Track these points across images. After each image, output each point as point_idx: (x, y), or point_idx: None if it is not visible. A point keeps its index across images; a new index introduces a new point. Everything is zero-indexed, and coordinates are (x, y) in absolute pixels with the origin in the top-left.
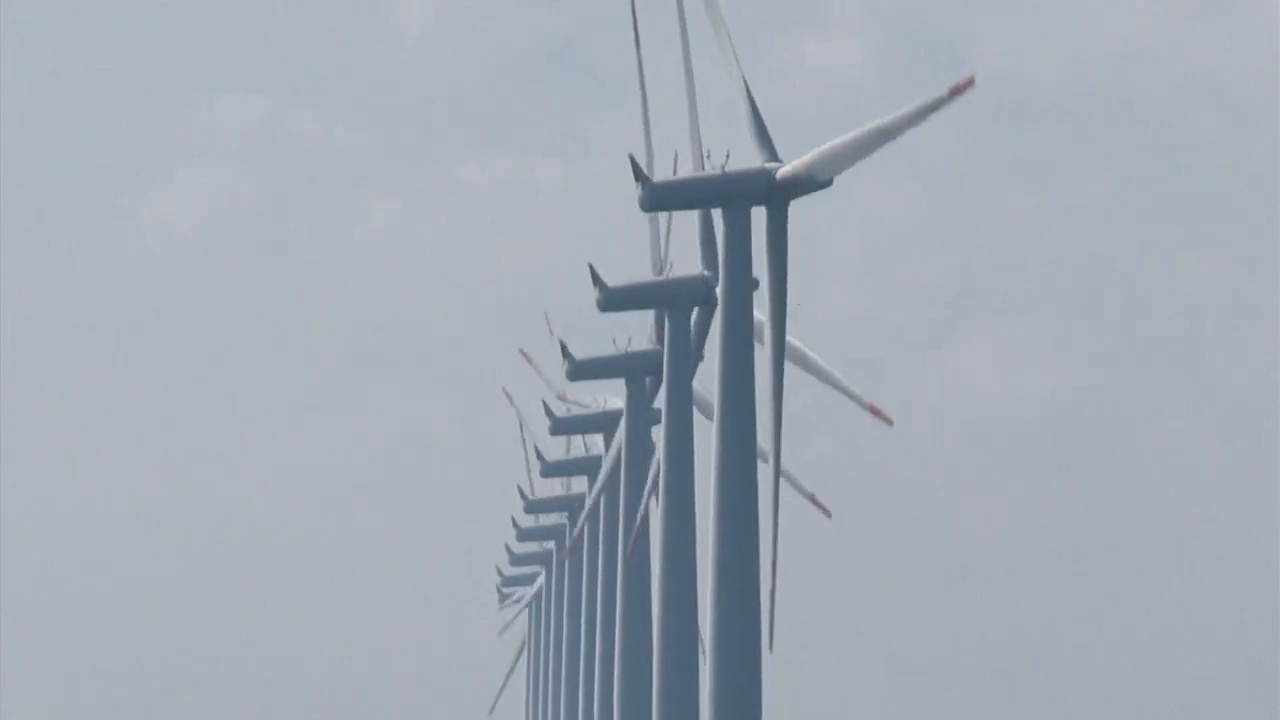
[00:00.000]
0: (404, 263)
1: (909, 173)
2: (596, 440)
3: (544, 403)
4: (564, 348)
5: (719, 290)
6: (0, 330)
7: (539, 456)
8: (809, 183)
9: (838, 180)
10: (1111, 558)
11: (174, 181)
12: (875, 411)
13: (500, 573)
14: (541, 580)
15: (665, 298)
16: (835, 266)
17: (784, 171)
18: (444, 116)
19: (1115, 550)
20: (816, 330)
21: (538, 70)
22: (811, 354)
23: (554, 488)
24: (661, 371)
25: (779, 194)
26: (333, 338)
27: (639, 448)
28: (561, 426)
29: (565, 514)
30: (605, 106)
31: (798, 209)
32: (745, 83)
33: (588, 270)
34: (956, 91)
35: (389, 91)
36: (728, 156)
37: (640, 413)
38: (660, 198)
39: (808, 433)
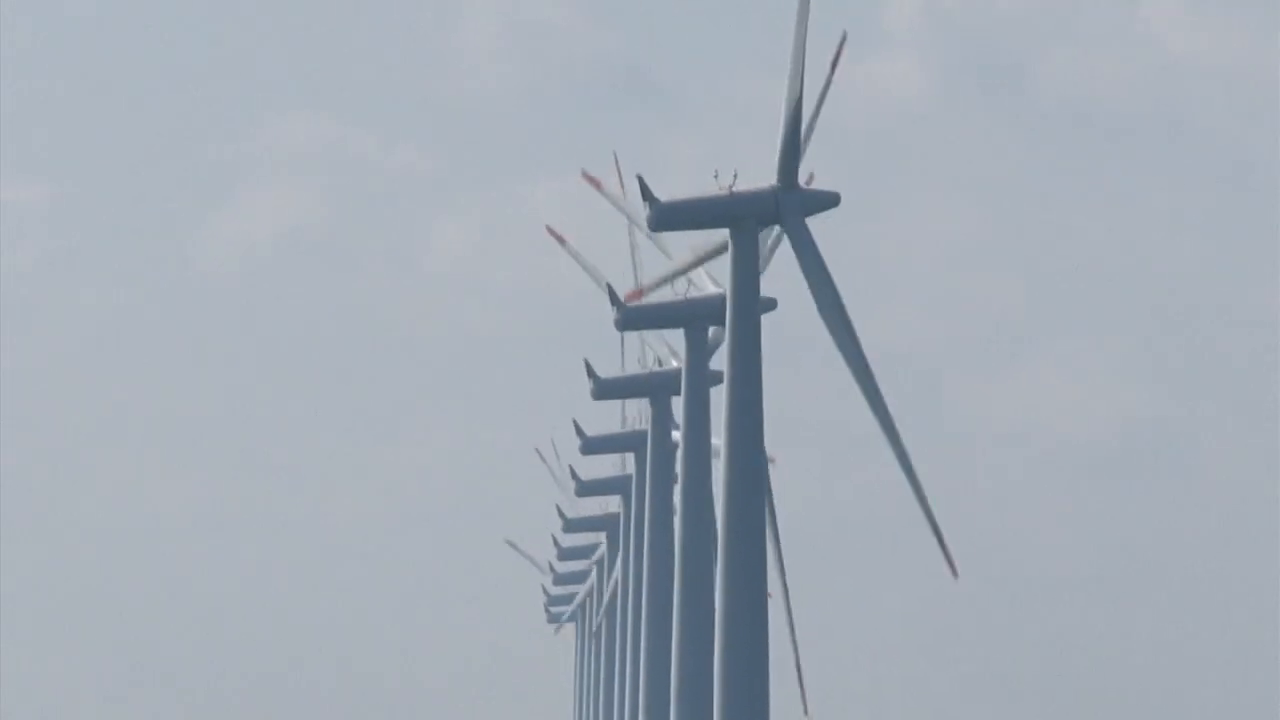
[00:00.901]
0: (467, 283)
1: (971, 193)
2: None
3: (574, 422)
4: (588, 366)
5: (727, 310)
6: (70, 350)
7: (574, 476)
8: (822, 199)
9: (900, 199)
10: (1178, 577)
11: (239, 202)
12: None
13: (546, 592)
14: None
15: (683, 317)
16: (900, 287)
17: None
18: (507, 137)
19: (1181, 570)
20: (883, 351)
21: (602, 91)
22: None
23: (593, 506)
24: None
25: (788, 212)
26: (396, 356)
27: (662, 470)
28: (592, 446)
29: (604, 533)
30: (669, 127)
31: (860, 230)
32: (799, 103)
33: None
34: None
35: (452, 112)
36: (735, 177)
37: (664, 432)
38: (667, 217)
39: (866, 458)
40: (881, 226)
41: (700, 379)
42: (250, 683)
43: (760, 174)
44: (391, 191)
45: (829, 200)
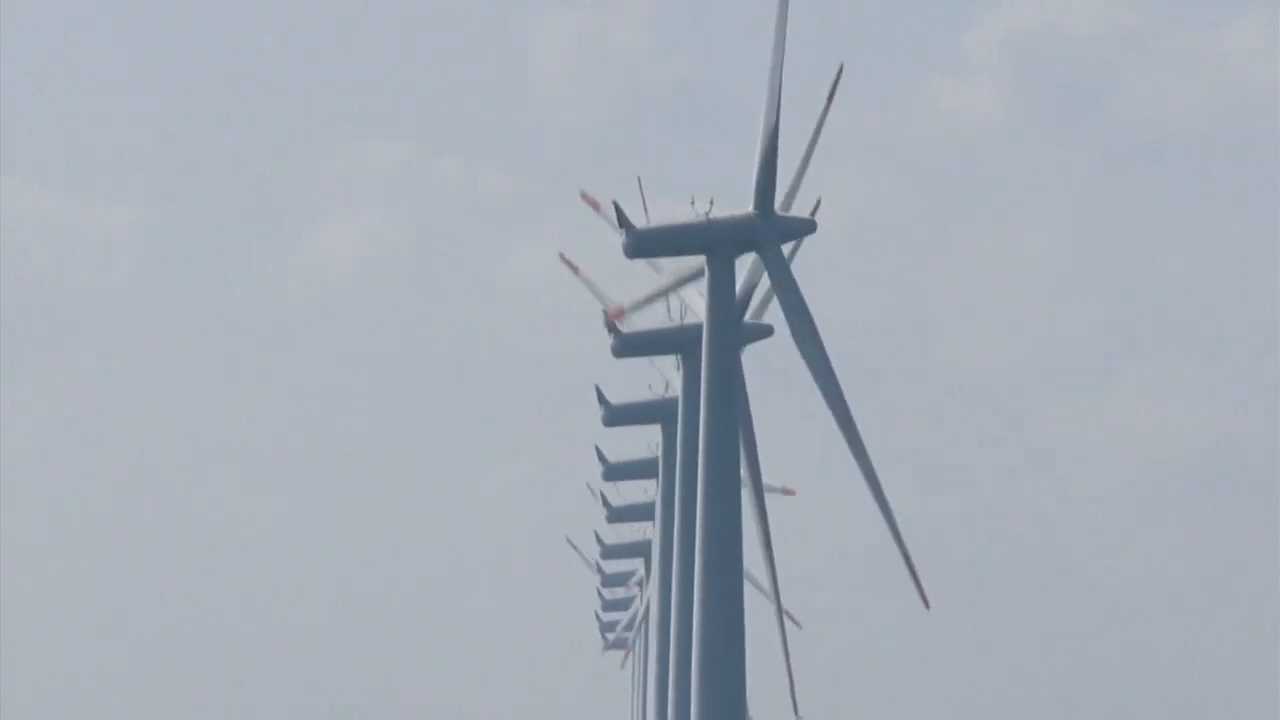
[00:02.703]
0: (548, 307)
1: (1051, 218)
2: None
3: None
4: (599, 393)
5: (704, 336)
6: (157, 372)
7: (605, 503)
8: (797, 226)
9: (979, 224)
10: (1264, 597)
11: (323, 227)
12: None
13: (599, 618)
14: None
15: (677, 343)
16: (982, 311)
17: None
18: (583, 161)
19: (1268, 589)
20: (967, 374)
21: (676, 114)
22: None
23: (631, 533)
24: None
25: (765, 238)
26: (478, 380)
27: (670, 495)
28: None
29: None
30: (742, 150)
31: (940, 254)
32: (775, 132)
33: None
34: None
35: (530, 137)
36: (711, 204)
37: (673, 456)
38: (644, 244)
39: (960, 480)
40: (962, 251)
41: (697, 405)
42: (314, 702)
43: (833, 198)
44: (472, 216)
45: (805, 228)
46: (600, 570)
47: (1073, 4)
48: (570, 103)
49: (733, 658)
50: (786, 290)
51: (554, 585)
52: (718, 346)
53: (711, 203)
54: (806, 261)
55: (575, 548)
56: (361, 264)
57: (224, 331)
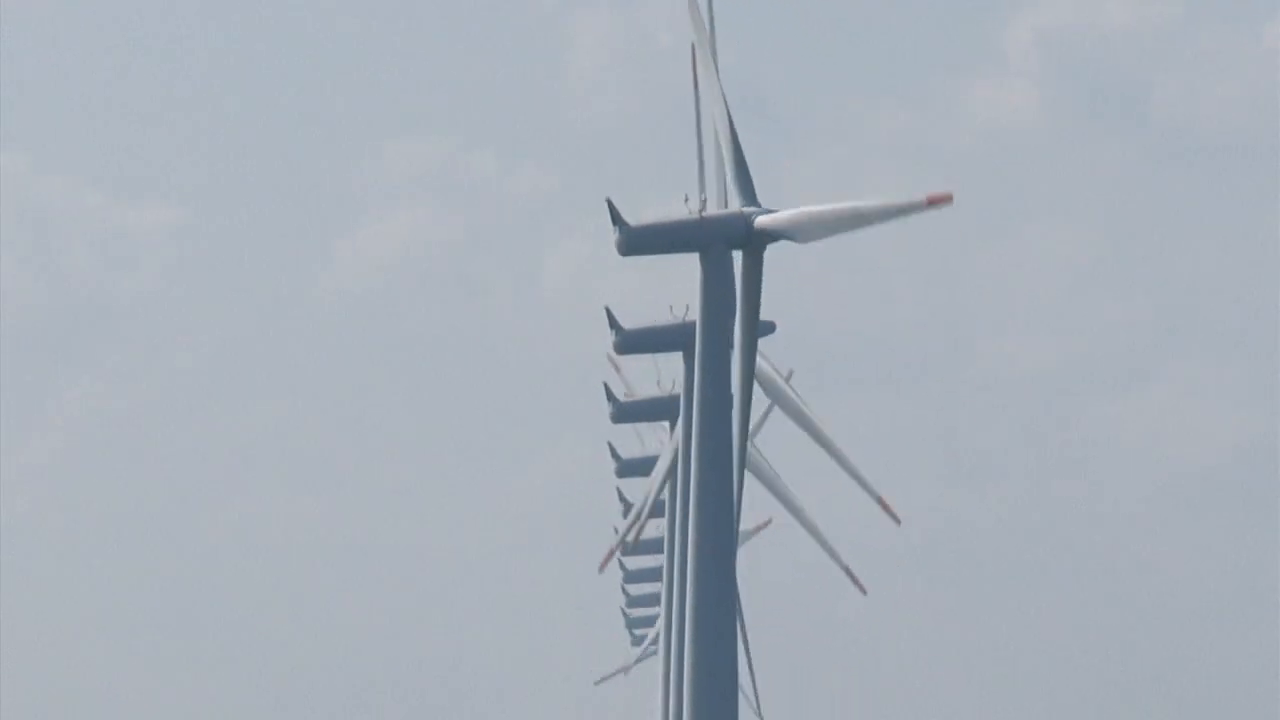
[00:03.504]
0: (589, 304)
1: (1089, 216)
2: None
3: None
4: (607, 390)
5: (697, 335)
6: (195, 372)
7: (621, 499)
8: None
9: (1017, 222)
10: None
11: (362, 225)
12: (885, 506)
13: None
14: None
15: (679, 340)
16: (1022, 309)
17: (762, 221)
18: (624, 158)
19: None
20: (1008, 372)
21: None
22: (827, 433)
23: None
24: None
25: (757, 239)
26: (519, 377)
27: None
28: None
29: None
30: (789, 150)
31: (978, 252)
32: (730, 122)
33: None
34: (934, 202)
35: (568, 133)
36: (703, 201)
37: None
38: (637, 242)
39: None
40: (998, 249)
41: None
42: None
43: (871, 196)
44: (512, 213)
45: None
46: (623, 568)
47: (1110, 1)
48: (608, 97)
49: (723, 657)
50: (751, 291)
51: (583, 584)
52: (712, 344)
53: (704, 200)
54: (845, 260)
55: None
56: (399, 261)
57: (262, 329)
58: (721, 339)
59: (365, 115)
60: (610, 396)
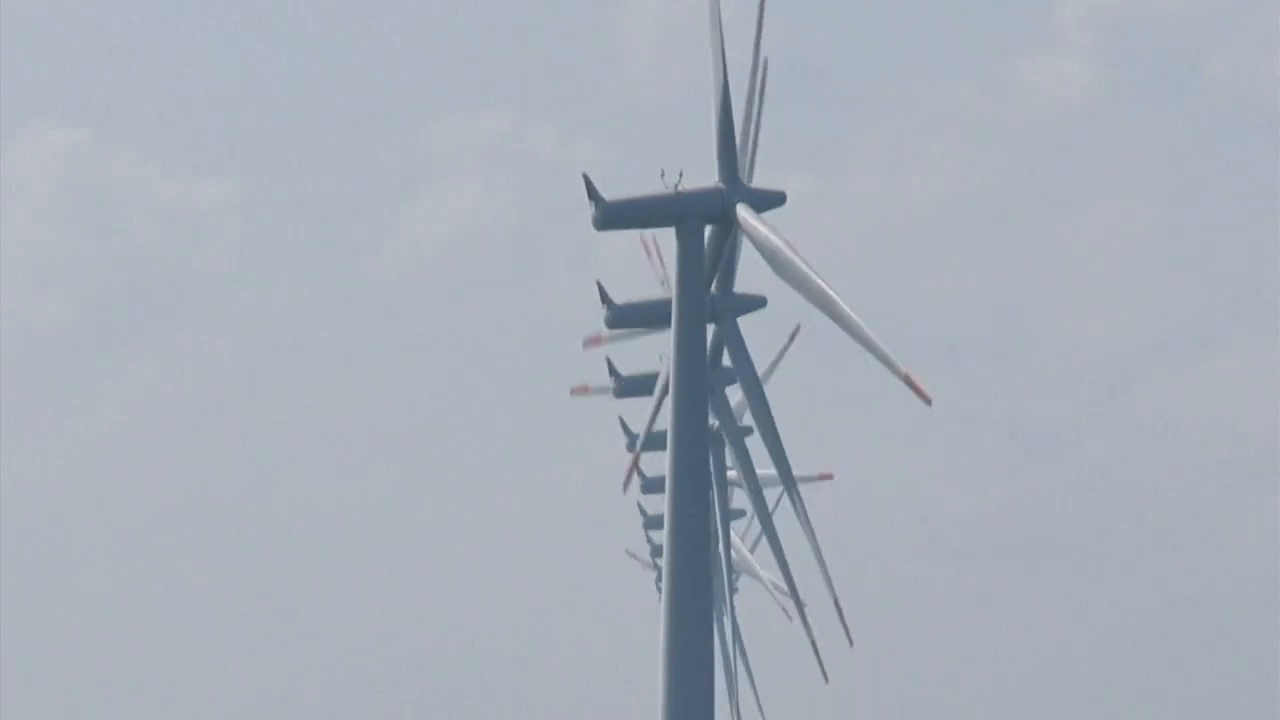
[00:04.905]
0: (644, 281)
1: (1144, 190)
2: None
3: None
4: (610, 365)
5: (672, 311)
6: (254, 349)
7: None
8: (767, 198)
9: (1072, 196)
10: None
11: (419, 201)
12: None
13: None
14: None
15: (669, 316)
16: (1078, 284)
17: (742, 215)
18: (678, 133)
19: None
20: (1065, 346)
21: (773, 85)
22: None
23: None
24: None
25: (730, 215)
26: (573, 354)
27: None
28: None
29: None
30: (847, 122)
31: (1033, 227)
32: (726, 93)
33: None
34: (915, 389)
35: (623, 108)
36: (680, 175)
37: None
38: (613, 216)
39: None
40: (1057, 225)
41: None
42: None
43: (927, 172)
44: (569, 189)
45: (774, 199)
46: (656, 566)
47: None
48: (663, 72)
49: (700, 659)
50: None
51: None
52: (688, 320)
53: (681, 174)
54: (903, 237)
55: (634, 556)
56: (459, 238)
57: (318, 307)
58: (697, 315)
59: (413, 91)
60: (613, 370)
